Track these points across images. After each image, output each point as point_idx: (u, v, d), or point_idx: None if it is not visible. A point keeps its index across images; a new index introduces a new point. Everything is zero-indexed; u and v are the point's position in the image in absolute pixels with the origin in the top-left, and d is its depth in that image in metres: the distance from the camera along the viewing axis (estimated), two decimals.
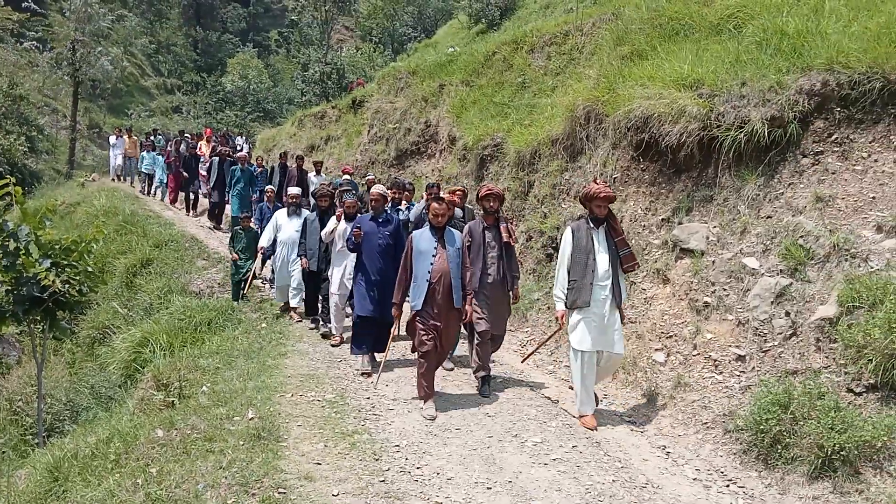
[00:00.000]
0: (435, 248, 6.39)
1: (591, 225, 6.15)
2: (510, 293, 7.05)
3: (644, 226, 7.91)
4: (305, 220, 9.25)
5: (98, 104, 42.95)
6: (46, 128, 35.15)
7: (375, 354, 7.69)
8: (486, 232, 6.96)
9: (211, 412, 5.93)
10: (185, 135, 24.34)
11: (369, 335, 7.55)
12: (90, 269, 8.33)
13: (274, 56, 61.66)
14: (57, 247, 8.03)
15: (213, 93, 49.34)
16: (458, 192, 8.41)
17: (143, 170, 20.63)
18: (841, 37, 6.81)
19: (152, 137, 23.77)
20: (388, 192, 8.75)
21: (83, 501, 4.47)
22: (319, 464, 5.03)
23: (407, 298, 6.68)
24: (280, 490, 4.52)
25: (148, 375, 7.87)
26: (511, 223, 7.27)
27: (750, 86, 7.03)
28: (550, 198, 9.95)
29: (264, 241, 10.17)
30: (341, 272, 8.51)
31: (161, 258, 13.62)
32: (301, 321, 9.69)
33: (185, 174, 17.80)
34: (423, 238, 6.51)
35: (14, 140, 28.81)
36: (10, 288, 7.68)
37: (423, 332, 6.36)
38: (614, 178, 8.57)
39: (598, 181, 6.12)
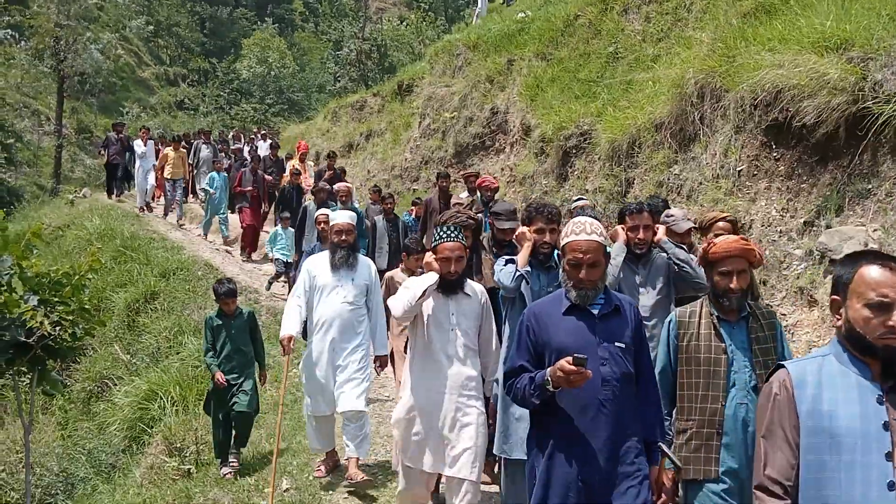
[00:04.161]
0: None
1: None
2: None
3: (781, 231, 7.81)
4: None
5: (87, 102, 43.94)
6: (26, 134, 36.00)
7: None
8: None
9: (236, 483, 6.05)
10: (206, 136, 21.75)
11: None
12: (86, 307, 8.56)
13: (299, 33, 62.83)
14: (45, 280, 8.24)
15: (226, 82, 50.60)
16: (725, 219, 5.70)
17: (221, 213, 16.87)
18: None
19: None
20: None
21: None
22: None
23: None
24: None
25: (157, 438, 8.05)
26: None
27: None
28: None
29: (294, 326, 6.50)
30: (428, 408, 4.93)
31: (169, 291, 13.88)
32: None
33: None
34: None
35: None
36: None
37: None
38: (739, 171, 8.46)
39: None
